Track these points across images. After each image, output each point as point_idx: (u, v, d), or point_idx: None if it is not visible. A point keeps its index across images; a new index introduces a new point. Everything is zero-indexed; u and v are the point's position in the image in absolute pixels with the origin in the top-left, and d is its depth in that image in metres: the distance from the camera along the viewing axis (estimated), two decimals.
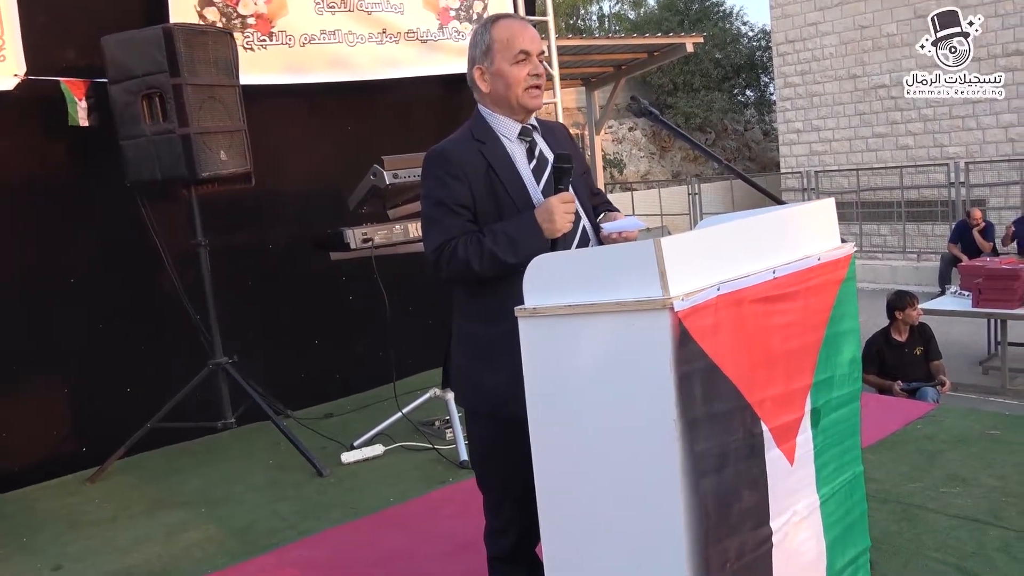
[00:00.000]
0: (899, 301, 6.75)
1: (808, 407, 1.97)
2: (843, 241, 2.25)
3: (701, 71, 22.05)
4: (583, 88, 17.15)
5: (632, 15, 27.65)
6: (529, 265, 1.96)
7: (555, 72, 6.31)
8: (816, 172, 16.39)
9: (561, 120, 6.34)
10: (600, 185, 17.25)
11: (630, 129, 22.23)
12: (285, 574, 3.22)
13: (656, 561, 1.80)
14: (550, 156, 2.38)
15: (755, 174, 21.13)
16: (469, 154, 2.28)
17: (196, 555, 3.47)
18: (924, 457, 3.82)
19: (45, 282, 4.49)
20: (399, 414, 4.42)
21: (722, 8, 24.22)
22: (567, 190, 2.26)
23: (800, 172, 16.79)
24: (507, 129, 2.35)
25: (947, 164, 14.35)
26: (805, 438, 1.96)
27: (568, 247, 2.31)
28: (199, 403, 4.41)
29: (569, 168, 2.27)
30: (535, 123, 2.41)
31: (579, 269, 1.92)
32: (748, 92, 23.88)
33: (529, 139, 2.37)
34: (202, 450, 4.73)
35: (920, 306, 7.01)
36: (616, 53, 14.80)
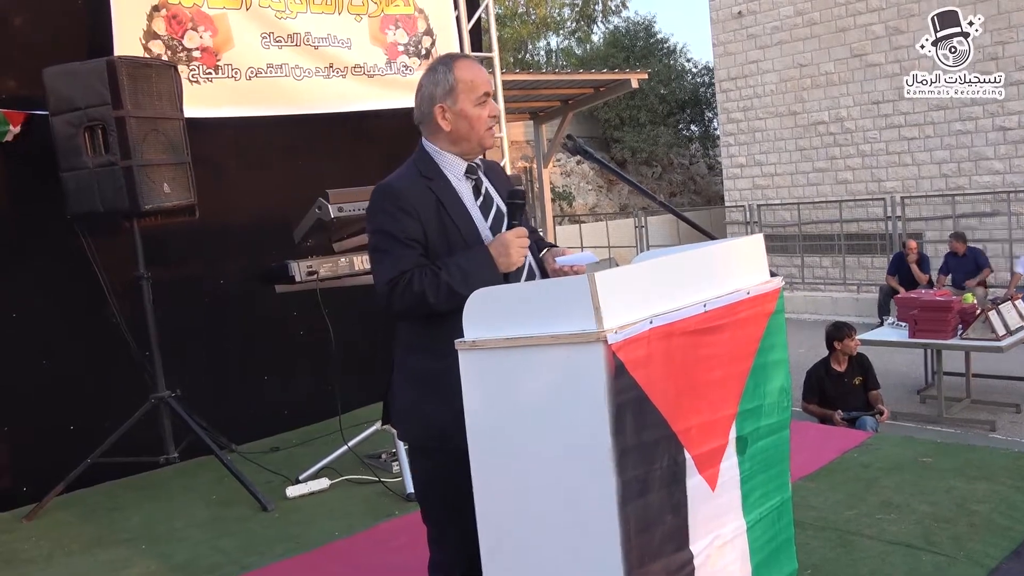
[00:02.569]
0: (837, 332, 6.92)
1: (733, 435, 2.03)
2: (773, 275, 2.33)
3: (647, 106, 22.42)
4: (531, 122, 17.34)
5: (579, 51, 28.09)
6: (469, 298, 2.00)
7: (501, 106, 6.39)
8: (759, 206, 16.73)
9: (508, 154, 6.44)
10: (548, 218, 17.34)
11: (578, 162, 22.48)
12: None
13: None
14: (495, 194, 2.44)
15: (700, 207, 21.50)
16: (418, 190, 2.31)
17: None
18: (860, 484, 3.92)
19: None
20: (345, 447, 4.40)
21: (667, 45, 24.69)
22: (521, 225, 2.32)
23: (743, 206, 17.12)
24: (454, 167, 2.39)
25: (884, 198, 14.77)
26: (730, 464, 2.02)
27: (518, 281, 2.36)
28: (141, 438, 4.34)
29: (523, 204, 2.34)
30: (479, 161, 2.47)
31: (518, 302, 1.96)
32: (693, 127, 24.30)
33: (475, 177, 2.42)
34: (144, 486, 4.65)
35: (858, 337, 7.19)
36: (563, 88, 15.02)
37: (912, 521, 3.47)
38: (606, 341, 1.76)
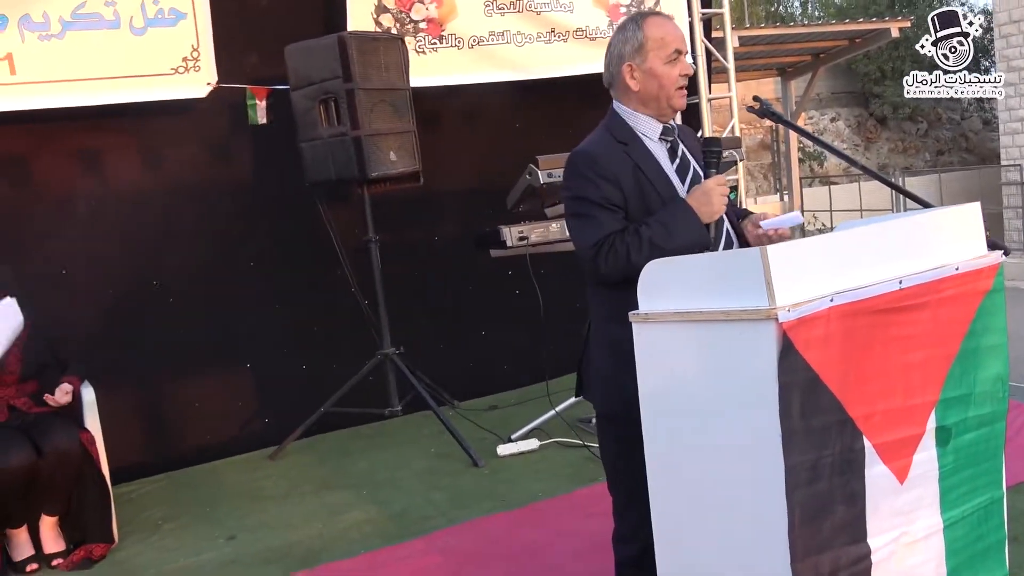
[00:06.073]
0: None
1: (932, 425, 1.84)
2: (996, 247, 2.07)
3: (913, 57, 20.61)
4: (779, 78, 16.50)
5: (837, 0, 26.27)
6: (642, 271, 1.96)
7: (730, 65, 6.12)
8: None
9: (736, 115, 6.18)
10: (796, 179, 16.46)
11: (832, 120, 21.15)
12: (429, 560, 3.35)
13: (759, 572, 1.76)
14: (691, 157, 2.37)
15: (971, 167, 19.57)
16: (615, 155, 2.28)
17: (353, 535, 3.68)
18: None
19: (227, 269, 4.84)
20: (552, 412, 4.47)
21: None
22: (719, 173, 2.28)
23: (1021, 165, 15.39)
24: (648, 128, 2.34)
25: None
26: (926, 457, 1.84)
27: (720, 233, 2.28)
28: (371, 390, 4.66)
29: (719, 152, 2.29)
30: (673, 123, 2.39)
31: (690, 276, 1.90)
32: None
33: (671, 139, 2.35)
34: (372, 435, 4.98)
35: None
36: (813, 41, 14.10)
37: None
38: (777, 319, 1.65)
